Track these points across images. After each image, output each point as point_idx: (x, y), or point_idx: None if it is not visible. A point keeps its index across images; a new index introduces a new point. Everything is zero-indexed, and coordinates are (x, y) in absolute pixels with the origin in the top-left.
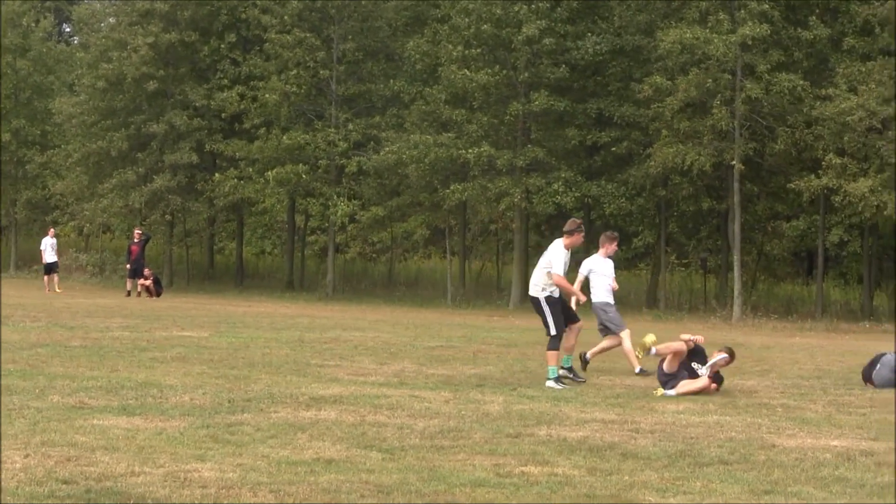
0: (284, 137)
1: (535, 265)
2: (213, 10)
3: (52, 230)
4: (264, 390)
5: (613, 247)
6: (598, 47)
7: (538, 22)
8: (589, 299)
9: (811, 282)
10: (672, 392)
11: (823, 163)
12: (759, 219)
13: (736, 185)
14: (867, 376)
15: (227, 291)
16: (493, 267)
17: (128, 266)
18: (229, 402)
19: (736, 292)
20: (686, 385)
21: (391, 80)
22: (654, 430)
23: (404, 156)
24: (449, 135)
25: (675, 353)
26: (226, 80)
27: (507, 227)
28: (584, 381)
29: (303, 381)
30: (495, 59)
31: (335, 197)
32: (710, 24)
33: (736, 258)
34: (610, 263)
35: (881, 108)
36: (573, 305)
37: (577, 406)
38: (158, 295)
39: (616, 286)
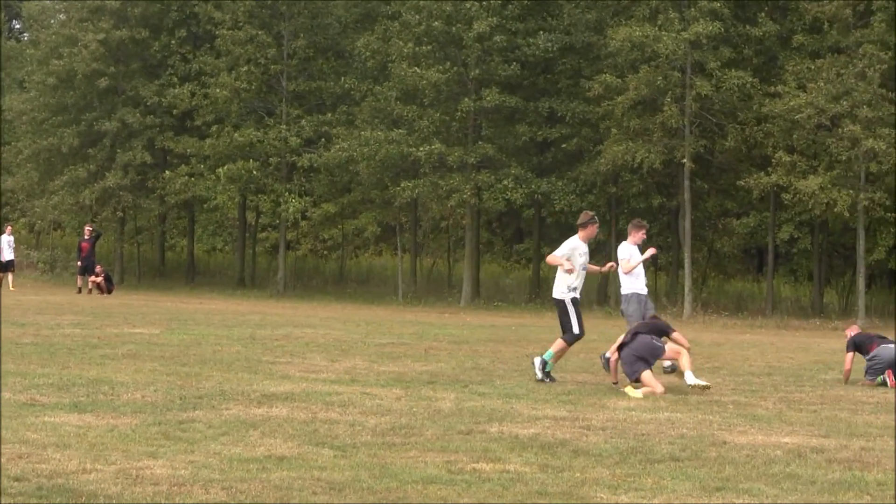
0: (236, 134)
1: (486, 262)
2: (163, 6)
3: (9, 227)
4: (216, 387)
5: (641, 234)
6: (548, 44)
7: (489, 19)
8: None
9: (761, 279)
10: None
11: (773, 160)
12: (710, 216)
13: (686, 183)
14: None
15: (178, 288)
16: (444, 264)
17: (78, 263)
18: (181, 399)
19: (686, 289)
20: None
21: (342, 78)
22: (605, 427)
23: (355, 153)
24: (400, 132)
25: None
26: (176, 77)
27: (458, 223)
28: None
29: (254, 378)
30: (446, 56)
31: (286, 194)
32: (660, 22)
33: (686, 255)
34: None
35: (830, 105)
36: (603, 269)
37: (529, 403)
38: (110, 292)
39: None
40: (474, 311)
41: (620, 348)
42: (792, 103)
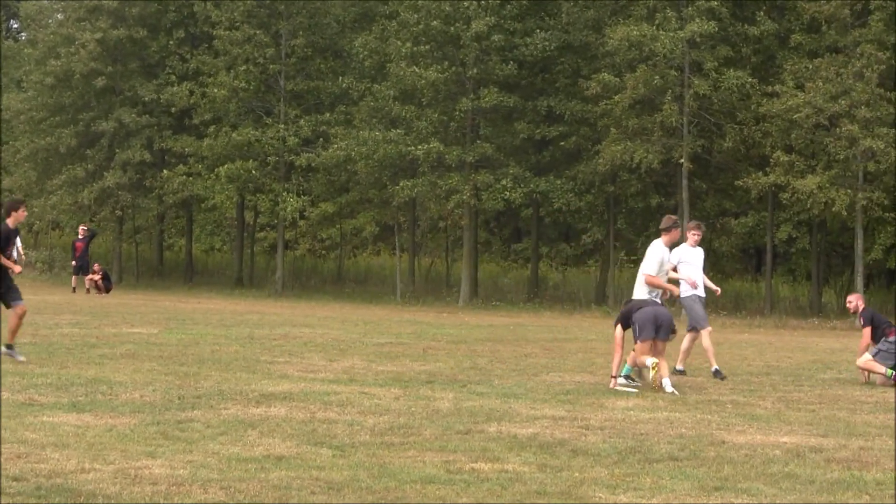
0: (234, 134)
1: (484, 261)
2: (161, 6)
3: None
4: (214, 387)
5: (698, 235)
6: (546, 44)
7: (487, 18)
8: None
9: (760, 278)
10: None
11: (771, 160)
12: (708, 215)
13: (684, 182)
14: None
15: (176, 288)
16: (442, 263)
17: (73, 263)
18: (179, 398)
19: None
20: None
21: (340, 77)
22: (603, 427)
23: (353, 152)
24: (398, 131)
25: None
26: (174, 76)
27: (456, 223)
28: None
29: (252, 378)
30: (444, 55)
31: (284, 193)
32: (657, 21)
33: None
34: (700, 253)
35: (828, 104)
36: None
37: (527, 403)
38: (108, 291)
39: (693, 281)
40: (472, 311)
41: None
42: (790, 103)
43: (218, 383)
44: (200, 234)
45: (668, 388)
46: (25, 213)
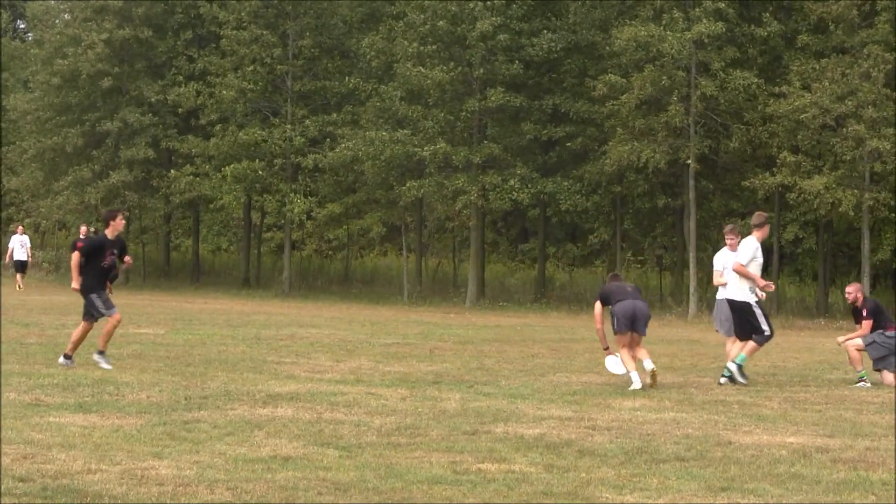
0: (241, 134)
1: (491, 262)
2: (167, 6)
3: (20, 227)
4: (221, 387)
5: (731, 239)
6: (552, 44)
7: (493, 18)
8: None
9: (766, 279)
10: None
11: (778, 160)
12: (715, 216)
13: (691, 183)
14: None
15: (183, 288)
16: (449, 264)
17: None
18: (186, 399)
19: (691, 289)
20: None
21: (347, 78)
22: (610, 428)
23: (360, 153)
24: (405, 132)
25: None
26: (181, 77)
27: (463, 224)
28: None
29: (259, 379)
30: (450, 55)
31: (291, 194)
32: (664, 22)
33: (691, 255)
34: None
35: (835, 105)
36: (762, 294)
37: (534, 403)
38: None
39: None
40: (479, 312)
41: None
42: (797, 103)
43: (224, 384)
44: (207, 235)
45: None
46: (123, 222)
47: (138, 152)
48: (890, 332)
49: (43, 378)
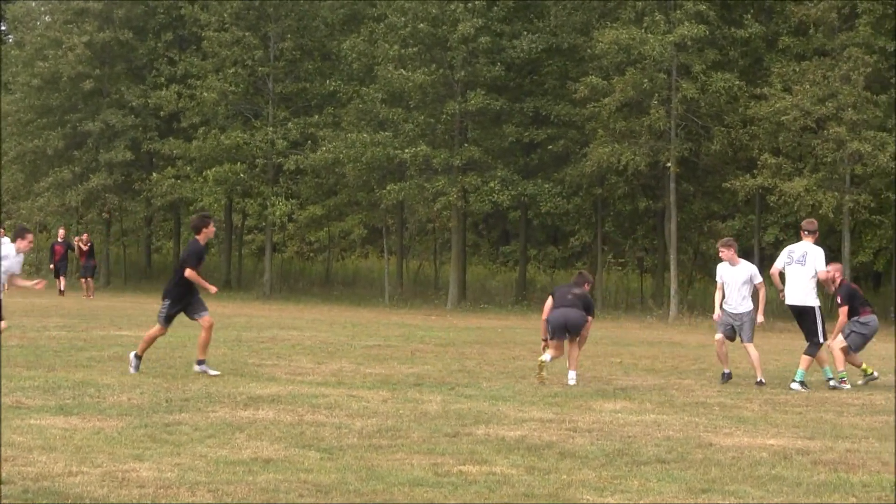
0: (222, 136)
1: (472, 264)
2: (148, 8)
3: (1, 230)
4: (202, 390)
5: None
6: (533, 46)
7: (474, 20)
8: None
9: None
10: None
11: (759, 162)
12: (696, 218)
13: (672, 185)
14: None
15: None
16: (430, 266)
17: (51, 266)
18: (167, 401)
19: (672, 291)
20: None
21: (328, 80)
22: (591, 430)
23: (341, 155)
24: (386, 134)
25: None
26: (162, 79)
27: (444, 226)
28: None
29: (240, 381)
30: (432, 58)
31: (273, 196)
32: (645, 25)
33: (672, 257)
34: (743, 269)
35: (815, 107)
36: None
37: (515, 405)
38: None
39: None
40: (461, 314)
41: None
42: (778, 105)
43: (206, 386)
44: (188, 237)
45: (572, 381)
46: (214, 229)
47: (117, 155)
48: (863, 318)
49: (24, 380)
